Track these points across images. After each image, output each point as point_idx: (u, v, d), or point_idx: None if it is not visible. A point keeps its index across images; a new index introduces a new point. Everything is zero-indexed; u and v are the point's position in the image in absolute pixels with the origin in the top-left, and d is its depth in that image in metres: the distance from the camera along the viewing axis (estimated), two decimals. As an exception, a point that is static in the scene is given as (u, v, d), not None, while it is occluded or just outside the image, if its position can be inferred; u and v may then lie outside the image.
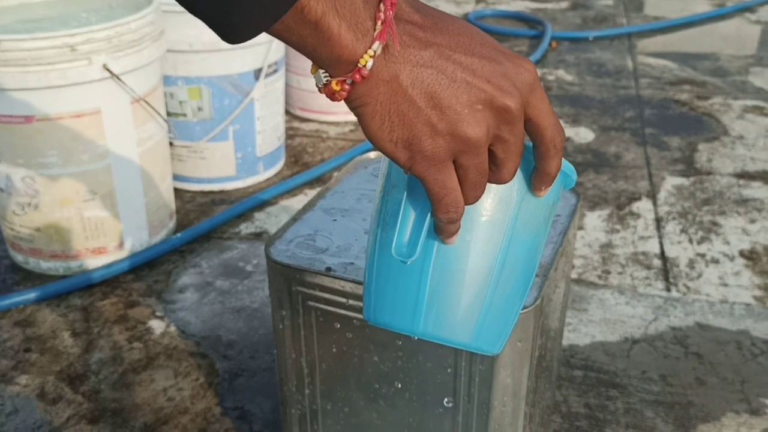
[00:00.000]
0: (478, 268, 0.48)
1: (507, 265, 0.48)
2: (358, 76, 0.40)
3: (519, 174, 0.47)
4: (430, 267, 0.48)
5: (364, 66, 0.39)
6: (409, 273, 0.48)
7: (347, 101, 0.41)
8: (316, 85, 0.42)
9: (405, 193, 0.47)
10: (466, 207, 0.46)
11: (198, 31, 1.56)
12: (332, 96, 0.41)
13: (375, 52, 0.39)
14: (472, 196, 0.44)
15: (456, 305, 0.48)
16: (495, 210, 0.47)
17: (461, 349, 0.51)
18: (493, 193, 0.47)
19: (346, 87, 0.40)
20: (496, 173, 0.44)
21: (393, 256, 0.48)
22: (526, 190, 0.48)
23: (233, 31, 0.39)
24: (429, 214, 0.46)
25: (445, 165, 0.42)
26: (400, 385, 0.72)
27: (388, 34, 0.40)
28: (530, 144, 0.46)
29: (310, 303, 0.72)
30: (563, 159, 0.49)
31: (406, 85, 0.40)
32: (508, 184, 0.47)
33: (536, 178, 0.47)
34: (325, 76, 0.41)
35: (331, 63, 0.40)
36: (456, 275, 0.48)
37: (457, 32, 0.42)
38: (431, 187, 0.43)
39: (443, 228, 0.46)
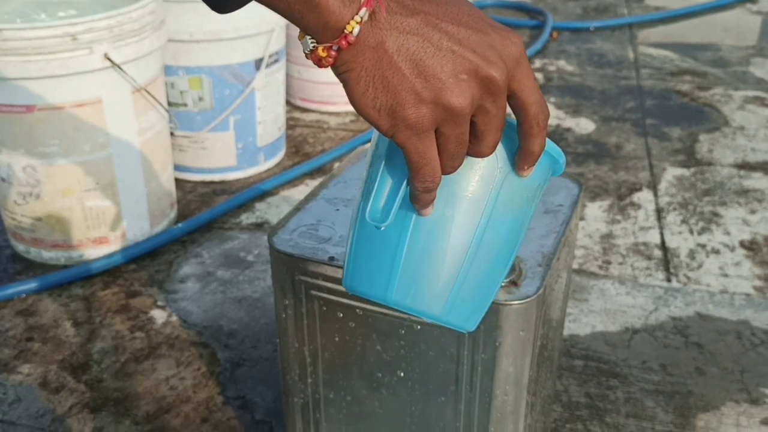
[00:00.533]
0: (454, 243, 0.48)
1: (485, 243, 0.48)
2: (344, 43, 0.40)
3: (503, 152, 0.47)
4: (406, 238, 0.48)
5: (351, 32, 0.39)
6: (386, 242, 0.48)
7: (333, 68, 0.41)
8: (303, 52, 0.42)
9: (384, 161, 0.47)
10: (448, 182, 0.46)
11: (198, 21, 1.56)
12: (319, 62, 0.41)
13: (362, 18, 0.39)
14: (449, 165, 0.44)
15: (429, 278, 0.48)
16: (476, 186, 0.47)
17: (438, 324, 0.51)
18: (475, 170, 0.47)
19: (333, 53, 0.40)
20: (476, 145, 0.44)
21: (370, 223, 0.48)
22: (509, 169, 0.48)
23: (222, 1, 0.40)
24: (406, 182, 0.46)
25: (427, 134, 0.42)
26: (402, 374, 0.73)
27: (375, 0, 0.40)
28: (515, 122, 0.46)
29: (313, 292, 0.72)
30: (552, 143, 0.49)
31: (392, 52, 0.40)
32: (491, 161, 0.47)
33: (520, 157, 0.47)
34: (311, 43, 0.41)
35: (318, 29, 0.40)
36: (431, 248, 0.48)
37: (445, 1, 0.42)
38: (411, 156, 0.43)
39: (419, 196, 0.45)
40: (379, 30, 0.40)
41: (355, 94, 0.41)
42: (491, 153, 0.45)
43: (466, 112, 0.41)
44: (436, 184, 0.45)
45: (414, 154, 0.43)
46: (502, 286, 0.65)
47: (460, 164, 0.45)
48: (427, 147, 0.42)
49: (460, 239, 0.48)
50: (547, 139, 0.50)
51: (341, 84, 0.42)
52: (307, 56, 0.42)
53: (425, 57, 0.40)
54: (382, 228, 0.48)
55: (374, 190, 0.48)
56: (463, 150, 0.44)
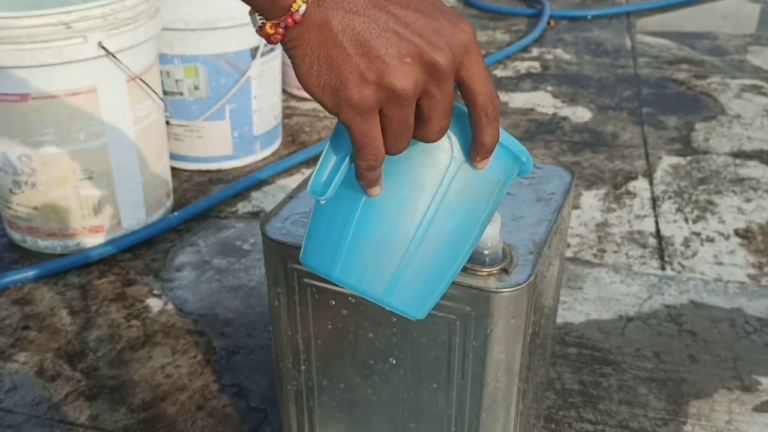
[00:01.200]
0: (400, 227, 0.48)
1: (433, 231, 0.49)
2: (290, 20, 0.40)
3: (458, 142, 0.48)
4: (355, 217, 0.49)
5: (297, 11, 0.40)
6: (336, 220, 0.49)
7: (282, 44, 0.42)
8: (253, 27, 0.42)
9: (332, 137, 0.48)
10: (400, 166, 0.47)
11: (194, 9, 1.55)
12: (268, 39, 0.42)
13: None
14: (393, 146, 0.44)
15: (373, 259, 0.49)
16: (428, 173, 0.48)
17: (387, 309, 0.52)
18: (428, 156, 0.47)
19: (280, 30, 0.41)
20: (421, 129, 0.44)
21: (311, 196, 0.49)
22: (463, 159, 0.48)
23: None
24: (349, 159, 0.47)
25: (371, 115, 0.42)
26: (394, 362, 0.73)
27: None
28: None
29: (306, 280, 0.72)
30: (515, 140, 0.49)
31: (337, 31, 0.40)
32: (444, 149, 0.47)
33: (473, 148, 0.47)
34: (260, 19, 0.41)
35: (266, 7, 0.40)
36: (377, 229, 0.49)
37: None
38: (354, 135, 0.43)
39: (362, 174, 0.46)
40: (325, 9, 0.40)
41: (300, 71, 0.42)
42: (438, 138, 0.45)
43: (409, 96, 0.41)
44: (379, 163, 0.45)
45: (357, 133, 0.43)
46: (490, 274, 0.66)
47: (406, 146, 0.45)
48: (370, 127, 0.43)
49: (407, 224, 0.48)
50: (509, 136, 0.50)
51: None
52: (257, 32, 0.42)
53: (370, 38, 0.40)
54: (322, 202, 0.49)
55: (318, 165, 0.48)
56: (407, 132, 0.44)
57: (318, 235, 0.51)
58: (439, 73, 0.41)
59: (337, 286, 0.71)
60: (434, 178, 0.48)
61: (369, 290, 0.50)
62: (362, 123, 0.42)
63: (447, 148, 0.47)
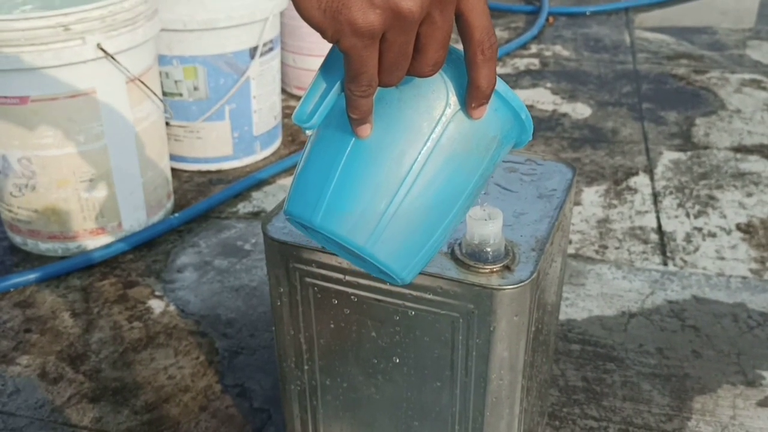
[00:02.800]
0: (388, 170, 0.47)
1: (422, 178, 0.47)
2: None
3: (454, 89, 0.47)
4: (342, 159, 0.47)
5: None
6: (322, 164, 0.48)
7: None
8: None
9: (321, 68, 0.46)
10: (392, 109, 0.45)
11: (192, 10, 1.55)
12: None
13: None
14: (388, 77, 0.43)
15: (359, 203, 0.47)
16: (421, 117, 0.47)
17: (365, 259, 0.50)
18: (422, 99, 0.46)
19: None
20: (416, 61, 0.43)
21: (299, 124, 0.47)
22: (459, 107, 0.47)
23: None
24: (339, 87, 0.45)
25: (373, 41, 0.41)
26: (397, 360, 0.73)
27: None
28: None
29: (308, 279, 0.72)
30: (515, 95, 0.49)
31: None
32: (440, 93, 0.46)
33: (468, 91, 0.46)
34: None
35: None
36: (366, 172, 0.47)
37: None
38: (353, 62, 0.42)
39: (354, 103, 0.45)
40: None
41: None
42: (432, 72, 0.44)
43: (415, 18, 0.40)
44: (372, 90, 0.44)
45: (356, 60, 0.42)
46: (492, 271, 0.65)
47: (400, 78, 0.44)
48: (369, 54, 0.41)
49: (396, 169, 0.47)
50: (509, 89, 0.49)
51: None
52: None
53: None
54: (307, 132, 0.48)
55: (306, 93, 0.47)
56: (404, 62, 0.43)
57: (303, 182, 0.49)
58: None
59: (341, 284, 0.71)
60: (428, 124, 0.47)
61: (351, 238, 0.48)
62: (363, 50, 0.41)
63: (443, 94, 0.46)
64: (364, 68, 0.42)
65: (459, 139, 0.48)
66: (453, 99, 0.47)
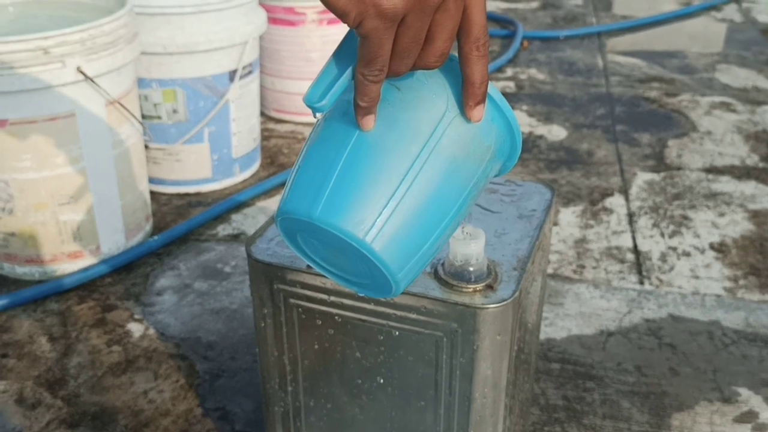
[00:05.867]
0: (390, 166, 0.48)
1: (422, 177, 0.49)
2: None
3: (452, 96, 0.50)
4: (344, 154, 0.49)
5: None
6: (324, 159, 0.49)
7: None
8: None
9: (334, 55, 0.48)
10: (394, 109, 0.48)
11: (172, 33, 1.56)
12: None
13: None
14: (398, 64, 0.46)
15: (359, 198, 0.48)
16: (422, 118, 0.49)
17: (363, 253, 0.50)
18: (424, 102, 0.49)
19: None
20: (425, 50, 0.46)
21: (309, 104, 0.49)
22: (458, 112, 0.50)
23: None
24: (350, 73, 0.47)
25: (394, 24, 0.43)
26: (382, 380, 0.73)
27: None
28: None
29: (292, 300, 0.73)
30: (512, 111, 0.52)
31: None
32: (440, 98, 0.49)
33: (464, 91, 0.49)
34: None
35: None
36: (367, 168, 0.48)
37: None
38: (371, 45, 0.44)
39: (365, 88, 0.46)
40: None
41: None
42: (437, 64, 0.47)
43: (435, 3, 0.43)
44: (383, 77, 0.46)
45: (375, 43, 0.44)
46: (475, 290, 0.66)
47: (408, 67, 0.46)
48: (388, 37, 0.44)
49: (398, 165, 0.48)
50: (506, 103, 0.52)
51: None
52: None
53: None
54: (317, 115, 0.49)
55: (318, 77, 0.49)
56: (416, 48, 0.45)
57: (302, 179, 0.50)
58: None
59: (325, 305, 0.71)
60: (429, 124, 0.49)
61: (351, 230, 0.48)
62: (384, 32, 0.43)
63: (443, 97, 0.49)
64: (381, 51, 0.44)
65: (458, 141, 0.50)
66: (452, 103, 0.50)
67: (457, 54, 0.51)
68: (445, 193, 0.51)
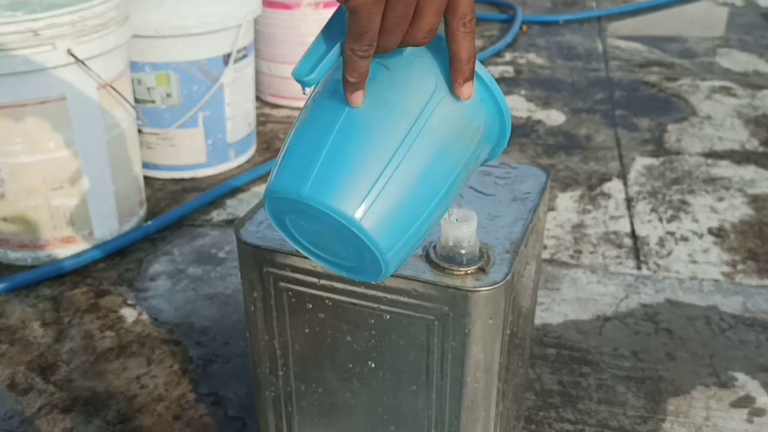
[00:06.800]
0: (380, 143, 0.48)
1: (412, 155, 0.49)
2: None
3: (440, 75, 0.50)
4: (333, 131, 0.48)
5: None
6: (313, 137, 0.49)
7: None
8: None
9: (322, 31, 0.48)
10: (383, 88, 0.48)
11: (165, 16, 1.54)
12: None
13: None
14: (386, 39, 0.46)
15: (349, 174, 0.48)
16: (411, 97, 0.49)
17: (351, 230, 0.49)
18: (412, 81, 0.49)
19: None
20: (414, 25, 0.46)
21: (299, 78, 0.49)
22: (446, 92, 0.50)
23: None
24: (338, 48, 0.48)
25: (381, 2, 0.44)
26: (373, 364, 0.73)
27: None
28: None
29: (282, 284, 0.72)
30: (505, 101, 0.52)
31: None
32: (428, 77, 0.49)
33: (451, 68, 0.49)
34: None
35: None
36: (356, 145, 0.48)
37: None
38: (360, 21, 0.44)
39: (354, 64, 0.47)
40: None
41: None
42: (425, 40, 0.47)
43: None
44: (371, 52, 0.46)
45: (364, 18, 0.44)
46: (467, 273, 0.65)
47: (396, 43, 0.47)
48: (377, 11, 0.44)
49: (387, 142, 0.48)
50: (495, 84, 0.52)
51: None
52: None
53: None
54: (306, 91, 0.49)
55: (306, 52, 0.49)
56: (404, 23, 0.46)
57: (291, 157, 0.50)
58: None
59: (316, 288, 0.70)
60: (418, 103, 0.49)
61: (341, 208, 0.47)
62: (372, 8, 0.44)
63: (432, 77, 0.49)
64: (370, 26, 0.44)
65: (447, 121, 0.50)
66: (442, 82, 0.49)
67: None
68: (435, 172, 0.50)
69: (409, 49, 0.51)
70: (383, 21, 0.45)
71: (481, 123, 0.52)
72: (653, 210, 1.60)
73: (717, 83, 2.31)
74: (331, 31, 0.49)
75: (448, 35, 0.48)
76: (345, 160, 0.48)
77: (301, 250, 0.58)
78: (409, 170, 0.49)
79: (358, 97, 0.48)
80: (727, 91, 2.25)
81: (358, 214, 0.48)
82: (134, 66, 1.57)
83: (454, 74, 0.49)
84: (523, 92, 2.25)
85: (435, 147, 0.50)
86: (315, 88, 0.52)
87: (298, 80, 0.49)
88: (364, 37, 0.45)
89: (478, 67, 0.52)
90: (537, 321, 1.24)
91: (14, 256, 1.38)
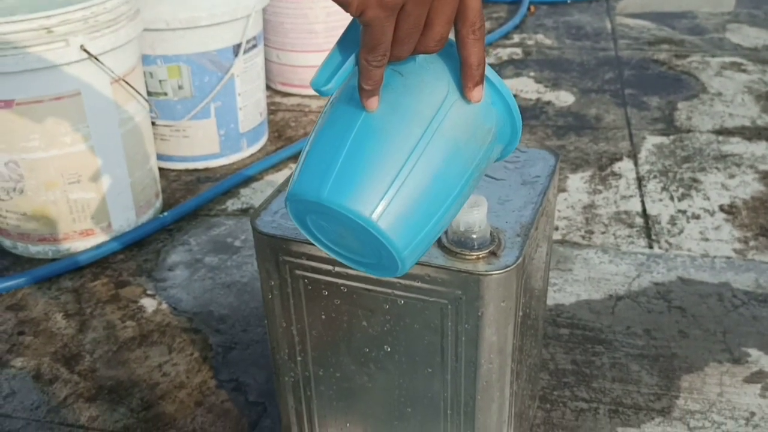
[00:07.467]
0: (395, 147, 0.50)
1: (426, 157, 0.51)
2: None
3: (452, 81, 0.52)
4: (350, 136, 0.50)
5: None
6: (331, 142, 0.51)
7: None
8: None
9: (338, 42, 0.50)
10: (398, 94, 0.50)
11: (174, 9, 1.55)
12: None
13: None
14: (399, 49, 0.48)
15: (366, 178, 0.50)
16: (425, 101, 0.51)
17: (370, 231, 0.51)
18: (425, 87, 0.51)
19: None
20: (425, 35, 0.48)
21: (317, 89, 0.51)
22: (458, 96, 0.52)
23: None
24: (353, 58, 0.50)
25: (395, 11, 0.45)
26: (389, 348, 0.74)
27: None
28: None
29: (298, 272, 0.73)
30: (511, 94, 0.54)
31: None
32: (440, 83, 0.51)
33: (462, 73, 0.51)
34: None
35: None
36: (372, 148, 0.50)
37: None
38: (374, 33, 0.46)
39: (369, 73, 0.49)
40: None
41: None
42: (437, 48, 0.49)
43: None
44: (385, 62, 0.48)
45: (377, 30, 0.46)
46: (479, 257, 0.67)
47: (409, 51, 0.48)
48: (390, 24, 0.46)
49: (402, 146, 0.50)
50: (505, 86, 0.54)
51: None
52: None
53: None
54: (324, 94, 0.51)
55: (324, 62, 0.51)
56: (416, 34, 0.47)
57: (311, 162, 0.52)
58: None
59: (331, 275, 0.72)
60: (431, 108, 0.51)
61: (358, 209, 0.50)
62: (385, 20, 0.45)
63: (444, 82, 0.51)
64: (383, 38, 0.46)
65: (459, 124, 0.52)
66: (453, 87, 0.51)
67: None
68: (448, 173, 0.52)
69: (422, 55, 0.53)
70: (396, 32, 0.47)
71: (492, 125, 0.54)
72: (664, 188, 1.60)
73: (727, 59, 2.30)
74: (346, 42, 0.51)
75: (459, 42, 0.50)
76: (362, 163, 0.50)
77: (322, 248, 0.60)
78: (424, 172, 0.51)
79: (373, 103, 0.50)
80: (737, 67, 2.24)
81: (375, 216, 0.50)
82: (146, 59, 1.58)
83: (465, 79, 0.51)
84: (531, 73, 2.25)
85: (448, 149, 0.52)
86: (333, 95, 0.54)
87: (317, 90, 0.51)
88: (378, 48, 0.47)
89: (488, 71, 0.54)
90: (550, 302, 1.25)
91: (35, 249, 1.41)
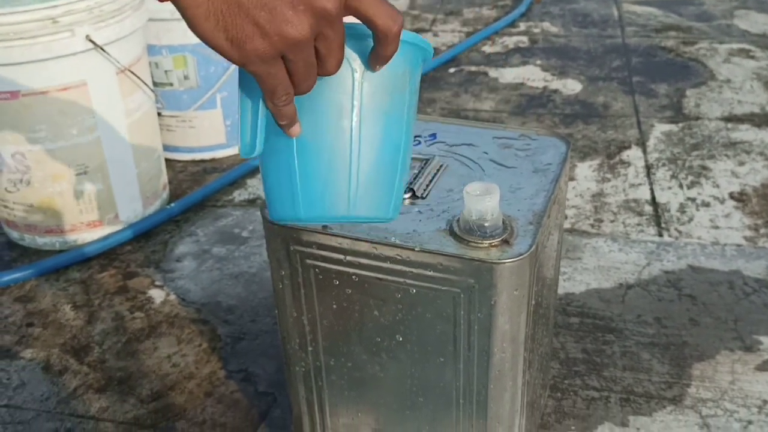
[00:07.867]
0: (335, 147, 0.52)
1: (364, 138, 0.52)
2: None
3: (353, 55, 0.51)
4: (294, 158, 0.52)
5: None
6: (281, 168, 0.53)
7: (174, 2, 0.44)
8: None
9: (240, 96, 0.51)
10: (311, 100, 0.50)
11: (179, -2, 1.54)
12: None
13: None
14: (302, 86, 0.48)
15: (326, 185, 0.53)
16: (337, 93, 0.51)
17: (356, 222, 0.55)
18: (330, 80, 0.51)
19: None
20: (321, 66, 0.48)
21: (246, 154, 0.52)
22: (364, 69, 0.51)
23: None
24: (263, 109, 0.51)
25: (276, 60, 0.46)
26: (400, 338, 0.74)
27: None
28: (361, 27, 0.49)
29: (309, 261, 0.73)
30: (414, 34, 0.53)
31: None
32: (345, 66, 0.50)
33: (373, 59, 0.50)
34: None
35: None
36: (317, 159, 0.52)
37: None
38: (265, 81, 0.47)
39: (280, 113, 0.49)
40: None
41: (202, 28, 0.44)
42: (337, 70, 0.49)
43: (306, 41, 0.45)
44: (291, 98, 0.49)
45: (267, 78, 0.46)
46: (491, 245, 0.66)
47: (313, 84, 0.49)
48: (277, 70, 0.46)
49: (341, 143, 0.52)
50: (407, 32, 0.53)
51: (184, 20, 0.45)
52: None
53: None
54: (253, 158, 0.53)
55: (240, 129, 0.52)
56: (312, 71, 0.47)
57: (273, 190, 0.55)
58: (329, 16, 0.45)
59: (342, 265, 0.71)
60: (346, 95, 0.52)
61: (335, 213, 0.53)
62: (270, 68, 0.46)
63: (347, 65, 0.51)
64: (276, 81, 0.47)
65: (375, 92, 0.52)
66: (356, 65, 0.51)
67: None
68: (389, 132, 0.54)
69: None
70: (291, 76, 0.47)
71: (404, 67, 0.54)
72: (673, 176, 1.59)
73: (735, 46, 2.28)
74: (247, 92, 0.51)
75: (376, 41, 0.49)
76: (316, 176, 0.53)
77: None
78: (370, 150, 0.53)
79: (296, 130, 0.51)
80: (745, 54, 2.22)
81: (350, 210, 0.53)
82: (151, 49, 1.57)
83: (374, 62, 0.51)
84: (538, 62, 2.24)
85: (378, 116, 0.53)
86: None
87: (247, 158, 0.53)
88: (277, 91, 0.47)
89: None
90: (560, 290, 1.25)
91: (42, 241, 1.41)
